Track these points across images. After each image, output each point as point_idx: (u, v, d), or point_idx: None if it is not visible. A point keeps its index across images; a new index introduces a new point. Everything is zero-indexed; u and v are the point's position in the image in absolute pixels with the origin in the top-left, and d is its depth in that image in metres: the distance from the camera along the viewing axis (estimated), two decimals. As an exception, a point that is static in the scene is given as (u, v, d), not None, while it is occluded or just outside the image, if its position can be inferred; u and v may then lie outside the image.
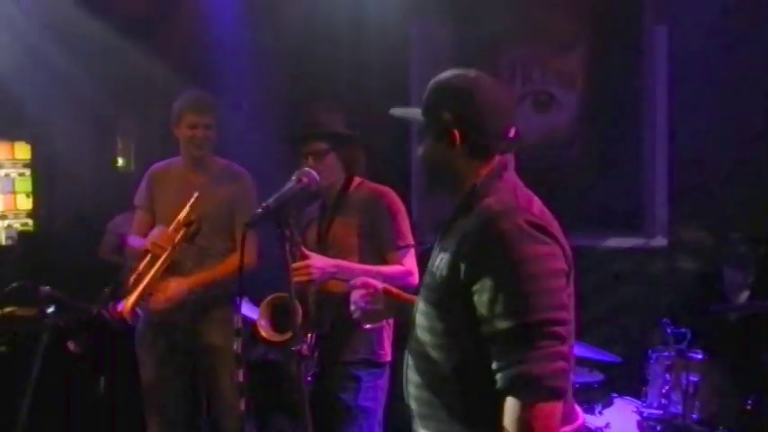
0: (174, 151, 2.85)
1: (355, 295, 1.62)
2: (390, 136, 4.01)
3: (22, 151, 4.25)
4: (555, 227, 1.33)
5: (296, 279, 1.92)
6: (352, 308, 1.62)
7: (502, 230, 1.26)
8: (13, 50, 3.93)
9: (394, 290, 1.64)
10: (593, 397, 2.77)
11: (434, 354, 1.36)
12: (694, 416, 2.65)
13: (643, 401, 2.81)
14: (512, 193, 1.35)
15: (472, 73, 1.43)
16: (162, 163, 2.84)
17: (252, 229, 1.76)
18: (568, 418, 1.33)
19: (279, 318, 2.28)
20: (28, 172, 4.26)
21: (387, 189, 2.39)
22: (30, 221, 4.26)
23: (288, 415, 3.34)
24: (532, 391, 1.21)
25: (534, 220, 1.27)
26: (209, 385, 2.77)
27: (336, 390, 2.31)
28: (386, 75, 4.02)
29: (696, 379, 2.67)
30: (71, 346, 3.08)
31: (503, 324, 1.23)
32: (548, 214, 1.35)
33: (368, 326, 1.71)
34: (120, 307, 2.54)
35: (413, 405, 1.43)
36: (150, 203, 2.76)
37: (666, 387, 2.71)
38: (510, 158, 1.43)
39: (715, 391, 2.69)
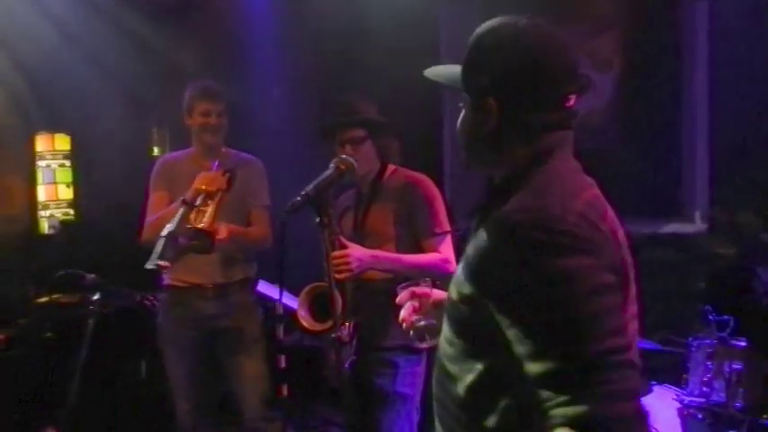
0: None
1: (404, 313, 1.41)
2: (422, 121, 3.99)
3: (63, 142, 4.33)
4: (601, 228, 1.05)
5: (337, 276, 1.93)
6: (404, 326, 1.42)
7: (521, 247, 1.00)
8: (51, 44, 4.01)
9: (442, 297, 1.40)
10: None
11: (450, 367, 1.17)
12: (738, 404, 2.61)
13: (683, 389, 2.77)
14: (547, 191, 1.07)
15: (523, 20, 1.13)
16: (173, 153, 2.90)
17: (291, 215, 1.77)
18: None
19: (317, 307, 2.30)
20: (68, 163, 4.34)
21: (422, 176, 2.39)
22: (71, 211, 4.36)
23: (326, 401, 3.39)
24: None
25: (566, 228, 1.00)
26: (230, 369, 2.82)
27: (374, 376, 2.32)
28: (415, 60, 3.98)
29: (739, 367, 2.62)
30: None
31: (546, 366, 0.97)
32: (593, 213, 1.06)
33: (425, 344, 1.44)
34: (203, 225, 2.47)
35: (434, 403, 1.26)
36: (167, 186, 2.77)
37: (708, 375, 2.67)
38: (565, 135, 1.14)
39: (759, 379, 2.64)
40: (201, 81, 2.84)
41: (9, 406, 3.30)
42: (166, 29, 4.33)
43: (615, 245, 1.09)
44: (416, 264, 2.22)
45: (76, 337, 2.71)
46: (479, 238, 1.08)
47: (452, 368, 1.17)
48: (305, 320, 2.29)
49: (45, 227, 4.27)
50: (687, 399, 2.71)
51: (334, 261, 1.96)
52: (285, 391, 1.82)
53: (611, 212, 1.13)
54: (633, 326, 1.12)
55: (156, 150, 5.10)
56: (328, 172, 1.84)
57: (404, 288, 1.44)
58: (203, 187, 2.53)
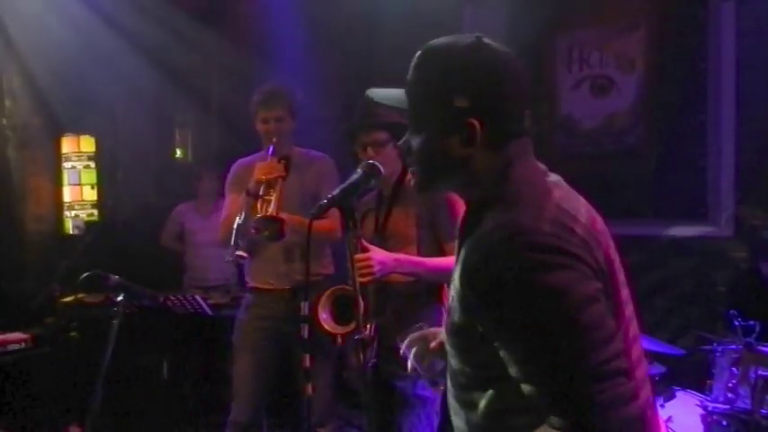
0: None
1: (411, 362, 1.43)
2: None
3: (87, 144, 4.41)
4: (576, 232, 1.03)
5: (361, 280, 1.93)
6: (414, 374, 1.45)
7: (503, 269, 0.99)
8: (76, 48, 4.07)
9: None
10: (655, 390, 2.71)
11: (463, 396, 1.17)
12: (764, 411, 2.56)
13: (707, 395, 2.72)
14: (518, 202, 1.06)
15: (473, 37, 1.12)
16: (246, 158, 2.93)
17: (317, 218, 1.77)
18: None
19: (339, 309, 2.30)
20: (93, 164, 4.42)
21: (444, 179, 2.38)
22: (95, 212, 4.43)
23: (346, 403, 3.40)
24: None
25: (542, 242, 0.99)
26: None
27: (394, 378, 2.32)
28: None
29: (765, 373, 2.57)
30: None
31: (538, 387, 1.00)
32: (565, 217, 1.05)
33: (441, 387, 1.42)
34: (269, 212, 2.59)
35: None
36: (239, 189, 2.81)
37: (733, 381, 2.62)
38: (527, 141, 1.14)
39: (787, 386, 2.58)
40: (265, 86, 2.87)
41: (35, 404, 3.36)
42: (191, 32, 4.39)
43: (594, 242, 1.06)
44: (438, 267, 2.22)
45: (101, 337, 2.76)
46: (463, 264, 1.07)
47: (465, 396, 1.16)
48: (326, 323, 2.30)
49: (70, 227, 4.34)
50: (711, 405, 2.66)
51: (357, 264, 1.96)
52: (310, 390, 1.84)
53: (584, 207, 1.11)
54: (632, 327, 1.10)
55: (178, 152, 5.17)
56: (355, 176, 1.83)
57: (402, 340, 1.46)
58: (263, 177, 2.63)
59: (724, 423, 2.63)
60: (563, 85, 3.91)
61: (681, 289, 3.55)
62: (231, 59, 4.54)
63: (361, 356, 1.69)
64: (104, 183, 4.49)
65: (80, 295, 3.57)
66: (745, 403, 2.59)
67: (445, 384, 1.25)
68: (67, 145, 4.37)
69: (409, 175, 2.41)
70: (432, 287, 2.31)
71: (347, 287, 2.30)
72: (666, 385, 2.79)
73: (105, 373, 2.68)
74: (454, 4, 4.07)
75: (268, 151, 2.75)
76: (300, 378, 2.74)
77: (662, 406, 2.66)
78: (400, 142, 1.21)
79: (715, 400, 2.67)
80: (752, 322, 2.65)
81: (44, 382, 3.38)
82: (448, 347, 1.19)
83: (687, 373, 2.91)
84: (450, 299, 1.16)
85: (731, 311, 2.71)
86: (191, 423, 3.61)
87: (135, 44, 4.26)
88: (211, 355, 3.73)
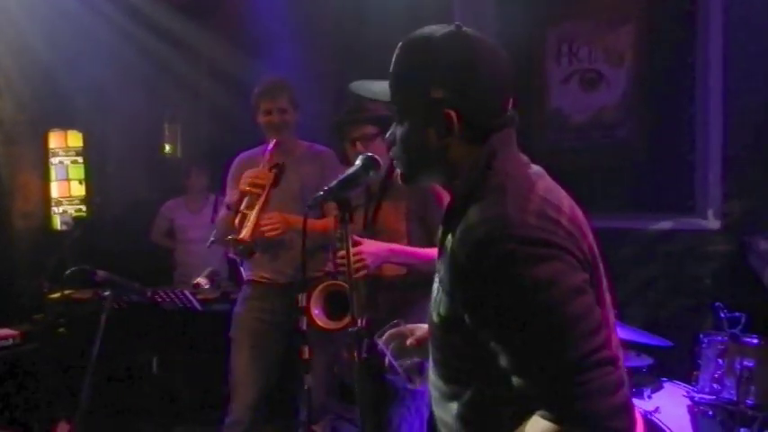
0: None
1: (389, 359, 1.43)
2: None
3: (75, 139, 4.37)
4: (562, 224, 1.04)
5: (355, 276, 1.93)
6: (391, 371, 1.44)
7: (491, 263, 0.99)
8: (64, 42, 4.04)
9: (425, 332, 1.39)
10: (642, 381, 2.74)
11: (447, 388, 1.18)
12: (749, 401, 2.59)
13: (694, 386, 2.75)
14: (503, 195, 1.05)
15: (452, 27, 1.11)
16: (247, 152, 2.91)
17: (313, 210, 1.77)
18: None
19: (331, 304, 2.30)
20: (80, 159, 4.39)
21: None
22: (83, 207, 4.41)
23: (338, 397, 3.40)
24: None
25: (529, 234, 1.00)
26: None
27: (384, 371, 2.33)
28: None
29: (751, 364, 2.60)
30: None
31: (528, 378, 1.01)
32: (550, 208, 1.05)
33: (414, 386, 1.44)
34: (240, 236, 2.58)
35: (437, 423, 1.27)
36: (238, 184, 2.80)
37: (719, 372, 2.65)
38: (509, 133, 1.14)
39: (772, 377, 2.62)
40: (267, 78, 2.86)
41: (24, 400, 3.34)
42: (180, 26, 4.35)
43: (579, 233, 1.08)
44: (432, 257, 2.22)
45: (90, 334, 2.74)
46: (449, 257, 1.07)
47: (450, 388, 1.17)
48: (319, 319, 2.30)
49: (58, 223, 4.31)
50: (698, 396, 2.69)
51: (351, 259, 1.96)
52: (311, 381, 1.85)
53: (566, 199, 1.13)
54: (610, 316, 1.12)
55: (167, 147, 5.14)
56: (353, 169, 1.82)
57: (380, 336, 1.45)
58: (247, 188, 2.58)
59: (710, 413, 2.67)
60: (552, 79, 3.92)
61: (668, 281, 3.58)
62: (221, 55, 4.52)
63: (359, 349, 1.69)
64: (93, 178, 4.46)
65: (68, 291, 3.54)
66: (730, 394, 2.62)
67: (428, 377, 1.25)
68: (55, 140, 4.34)
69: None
70: (423, 280, 2.32)
71: (339, 282, 2.30)
72: (654, 376, 2.82)
73: (94, 369, 2.67)
74: (445, -1, 4.07)
75: (267, 147, 2.72)
76: (299, 370, 2.77)
77: (649, 397, 2.69)
78: (387, 135, 1.22)
79: (701, 391, 2.70)
80: (738, 314, 2.68)
81: (33, 379, 3.37)
82: (432, 340, 1.20)
83: (674, 365, 2.95)
84: (435, 291, 1.17)
85: (717, 304, 2.74)
86: (181, 419, 3.61)
87: (124, 39, 4.23)
88: (202, 351, 3.72)
